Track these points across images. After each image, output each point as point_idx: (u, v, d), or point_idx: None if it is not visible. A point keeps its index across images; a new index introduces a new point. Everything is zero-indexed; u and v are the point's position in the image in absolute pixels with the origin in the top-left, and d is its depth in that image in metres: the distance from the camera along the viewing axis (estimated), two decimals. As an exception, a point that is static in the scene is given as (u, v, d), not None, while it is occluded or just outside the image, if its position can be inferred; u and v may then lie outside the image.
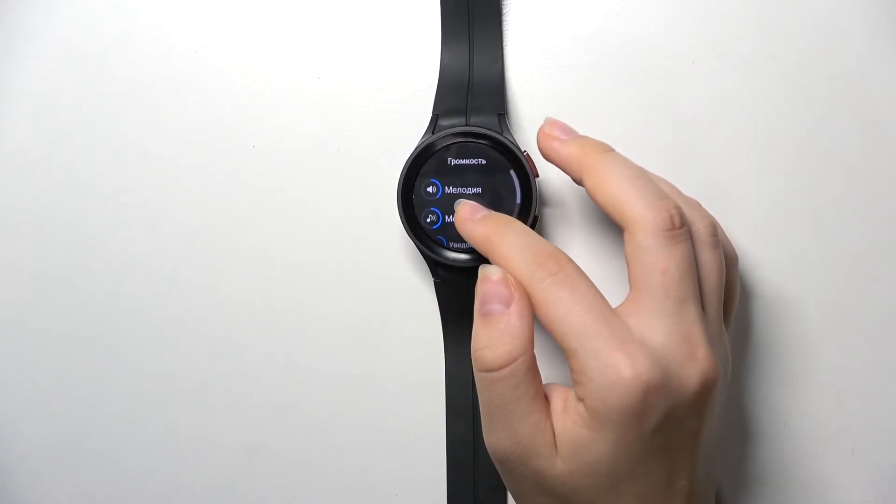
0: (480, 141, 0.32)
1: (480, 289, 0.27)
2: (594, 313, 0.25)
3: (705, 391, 0.26)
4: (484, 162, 0.32)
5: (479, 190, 0.32)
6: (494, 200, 0.32)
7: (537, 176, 0.32)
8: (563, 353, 0.26)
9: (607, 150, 0.29)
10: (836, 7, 0.34)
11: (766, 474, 0.35)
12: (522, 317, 0.26)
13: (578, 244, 0.34)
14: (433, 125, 0.32)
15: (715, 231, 0.29)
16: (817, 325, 0.34)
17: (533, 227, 0.31)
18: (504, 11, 0.34)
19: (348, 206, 0.35)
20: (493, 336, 0.26)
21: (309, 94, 0.35)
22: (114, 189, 0.36)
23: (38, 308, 0.37)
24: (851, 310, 0.34)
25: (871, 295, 0.34)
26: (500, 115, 0.32)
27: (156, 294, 0.36)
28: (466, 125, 0.32)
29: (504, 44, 0.34)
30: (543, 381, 0.27)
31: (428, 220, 0.32)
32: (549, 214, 0.35)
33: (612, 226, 0.34)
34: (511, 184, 0.32)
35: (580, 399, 0.25)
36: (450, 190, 0.32)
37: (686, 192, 0.30)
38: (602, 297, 0.26)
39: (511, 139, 0.32)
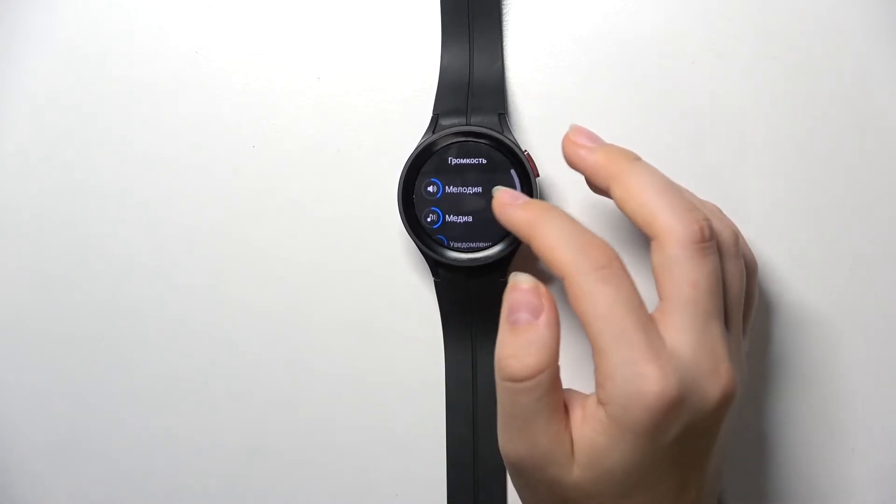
0: (481, 140, 0.32)
1: (510, 297, 0.26)
2: (634, 319, 0.25)
3: (724, 406, 0.26)
4: (484, 161, 0.32)
5: (480, 189, 0.32)
6: (495, 200, 0.32)
7: (538, 175, 0.32)
8: (592, 349, 0.25)
9: (634, 158, 0.28)
10: (836, 7, 0.34)
11: (766, 474, 0.35)
12: (551, 328, 0.26)
13: (578, 244, 0.34)
14: (433, 125, 0.32)
15: (737, 240, 0.28)
16: (817, 325, 0.34)
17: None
18: (504, 11, 0.34)
19: (348, 206, 0.35)
20: (521, 346, 0.26)
21: (309, 94, 0.35)
22: (114, 189, 0.36)
23: (38, 308, 0.37)
24: (851, 310, 0.34)
25: (871, 295, 0.34)
26: (500, 114, 0.32)
27: (156, 294, 0.36)
28: (467, 125, 0.32)
29: (504, 44, 0.34)
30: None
31: (428, 219, 0.32)
32: (550, 214, 0.35)
33: (612, 226, 0.34)
34: (512, 183, 0.32)
35: (601, 403, 0.25)
36: (450, 189, 0.32)
37: (686, 192, 0.30)
38: (642, 302, 0.25)
39: (512, 139, 0.32)
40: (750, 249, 0.31)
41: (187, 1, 0.36)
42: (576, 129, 0.30)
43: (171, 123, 0.36)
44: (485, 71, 0.33)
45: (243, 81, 0.35)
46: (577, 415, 0.26)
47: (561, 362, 0.26)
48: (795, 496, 0.35)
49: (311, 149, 0.35)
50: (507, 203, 0.28)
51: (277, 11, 0.35)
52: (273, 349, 0.36)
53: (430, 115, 0.33)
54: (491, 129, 0.32)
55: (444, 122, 0.32)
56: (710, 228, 0.27)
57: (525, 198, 0.29)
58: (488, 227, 0.32)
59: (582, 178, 0.30)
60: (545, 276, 0.33)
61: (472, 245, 0.32)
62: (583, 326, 0.25)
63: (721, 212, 0.30)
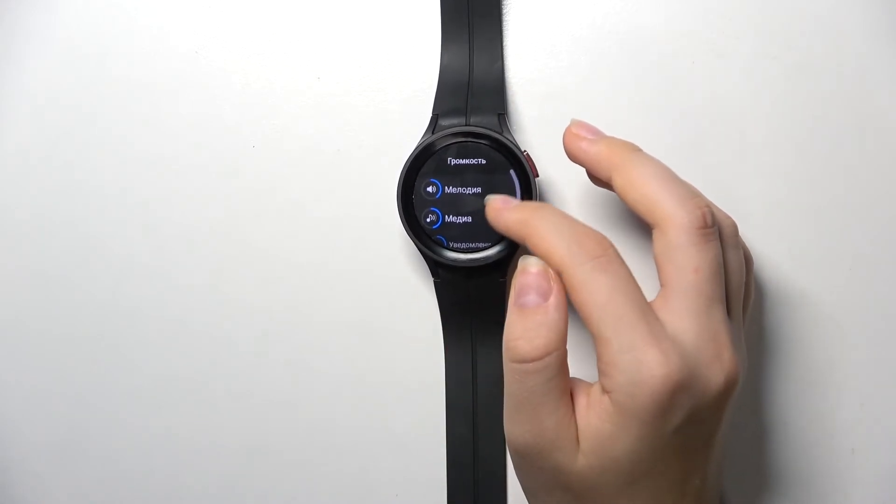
0: (480, 141, 0.32)
1: (518, 280, 0.27)
2: (633, 305, 0.25)
3: (727, 392, 0.26)
4: (484, 162, 0.32)
5: (479, 190, 0.32)
6: (494, 200, 0.32)
7: (537, 176, 0.32)
8: (593, 339, 0.25)
9: (635, 149, 0.29)
10: (836, 7, 0.34)
11: (766, 474, 0.35)
12: (560, 310, 0.26)
13: (578, 244, 0.34)
14: (433, 125, 0.32)
15: (737, 231, 0.29)
16: (817, 325, 0.34)
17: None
18: (504, 11, 0.34)
19: (348, 206, 0.35)
20: (530, 328, 0.26)
21: (309, 94, 0.35)
22: (114, 189, 0.36)
23: (38, 308, 0.37)
24: (851, 309, 0.34)
25: (872, 295, 0.34)
26: (500, 114, 0.32)
27: (156, 294, 0.36)
28: (466, 125, 0.32)
29: (504, 44, 0.34)
30: None
31: (428, 219, 0.32)
32: (549, 214, 0.35)
33: (611, 226, 0.34)
34: (511, 183, 0.32)
35: (606, 391, 0.25)
36: (450, 190, 0.32)
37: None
38: (640, 289, 0.26)
39: (511, 139, 0.32)
40: (744, 243, 0.31)
41: (187, 1, 0.36)
42: (577, 123, 0.30)
43: (171, 123, 0.36)
44: (484, 71, 0.33)
45: (243, 81, 0.35)
46: (581, 403, 0.26)
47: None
48: (795, 496, 0.35)
49: (311, 149, 0.35)
50: (500, 208, 0.29)
51: (277, 11, 0.35)
52: (273, 349, 0.36)
53: (430, 115, 0.33)
54: (490, 130, 0.32)
55: (444, 122, 0.32)
56: (712, 215, 0.27)
57: (516, 201, 0.29)
58: (488, 228, 0.32)
59: (581, 178, 0.30)
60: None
61: (472, 245, 0.32)
62: (582, 318, 0.25)
63: (717, 206, 0.30)
